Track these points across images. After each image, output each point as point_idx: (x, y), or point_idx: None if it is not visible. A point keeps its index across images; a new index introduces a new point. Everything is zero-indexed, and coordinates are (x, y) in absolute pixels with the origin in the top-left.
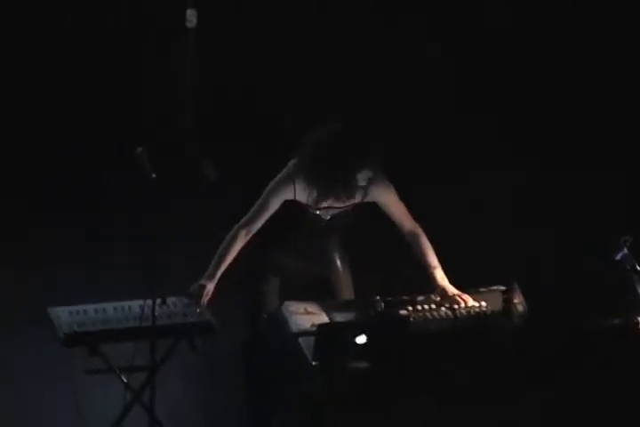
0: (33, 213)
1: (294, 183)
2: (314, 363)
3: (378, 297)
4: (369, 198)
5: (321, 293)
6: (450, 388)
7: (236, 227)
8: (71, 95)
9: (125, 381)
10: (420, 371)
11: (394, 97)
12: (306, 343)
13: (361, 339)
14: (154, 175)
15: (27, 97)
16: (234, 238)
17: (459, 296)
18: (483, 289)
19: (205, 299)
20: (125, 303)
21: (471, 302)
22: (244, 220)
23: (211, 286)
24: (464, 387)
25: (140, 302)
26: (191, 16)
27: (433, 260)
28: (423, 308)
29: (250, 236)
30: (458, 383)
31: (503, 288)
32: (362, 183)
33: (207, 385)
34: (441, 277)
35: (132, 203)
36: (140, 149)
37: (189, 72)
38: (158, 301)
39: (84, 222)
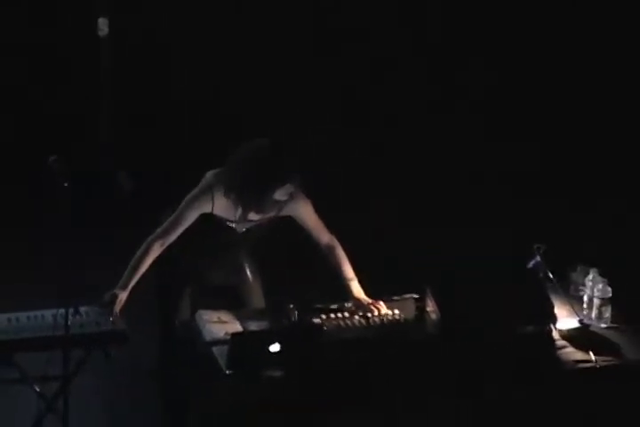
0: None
1: (213, 196)
2: (228, 372)
3: (291, 305)
4: (285, 212)
5: (233, 302)
6: (364, 396)
7: (150, 238)
8: None
9: (38, 390)
10: (334, 379)
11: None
12: (219, 352)
13: (274, 347)
14: (66, 184)
15: None
16: (147, 250)
17: (372, 304)
18: (396, 297)
19: (118, 307)
20: (39, 313)
21: (384, 310)
22: (158, 231)
23: (123, 296)
24: (378, 395)
25: (54, 311)
26: (103, 25)
27: (349, 271)
28: (337, 316)
29: (164, 247)
30: (372, 392)
31: (416, 296)
32: (282, 198)
33: (121, 394)
34: (357, 289)
35: (45, 210)
36: (52, 158)
37: (106, 81)
38: (71, 310)
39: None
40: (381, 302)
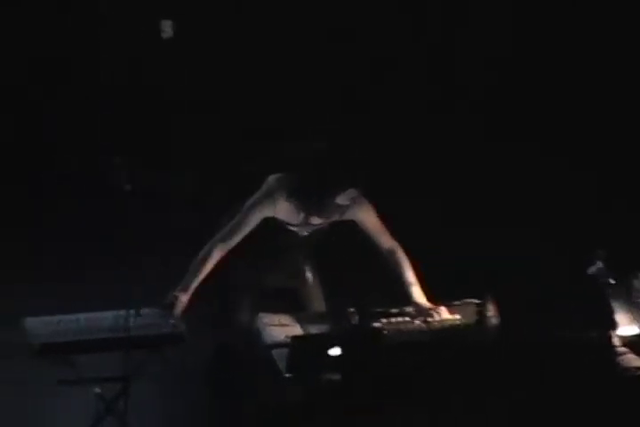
0: (8, 227)
1: (275, 200)
2: (287, 375)
3: (352, 309)
4: (348, 216)
5: (293, 304)
6: (423, 400)
7: (212, 242)
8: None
9: (98, 392)
10: (393, 383)
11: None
12: (279, 355)
13: (334, 351)
14: (128, 187)
15: None
16: (209, 253)
17: (433, 309)
18: (456, 302)
19: (179, 310)
20: (100, 314)
21: (445, 315)
22: (220, 235)
23: (184, 298)
24: (436, 399)
25: (115, 313)
26: (166, 26)
27: (410, 277)
28: (397, 320)
29: (226, 251)
30: (431, 396)
31: (477, 301)
32: (345, 202)
33: (180, 396)
34: (418, 294)
35: (106, 214)
36: (117, 159)
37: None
38: (132, 312)
39: (58, 236)
40: (442, 307)
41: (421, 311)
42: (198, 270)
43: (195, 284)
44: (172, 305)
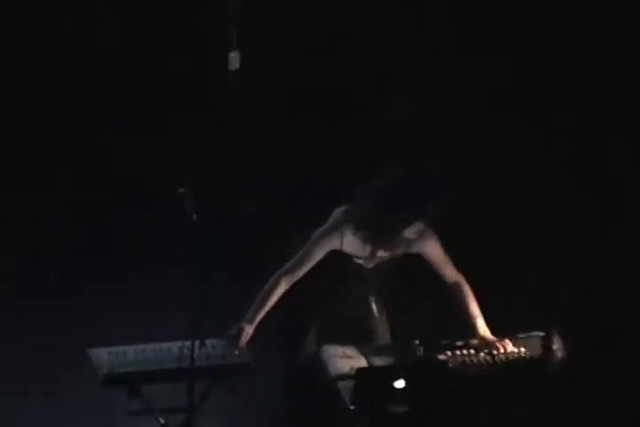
0: (72, 255)
1: (343, 233)
2: (352, 407)
3: (417, 341)
4: (414, 250)
5: (358, 336)
6: None
7: (278, 273)
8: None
9: (163, 422)
10: (458, 415)
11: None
12: (344, 387)
13: (399, 383)
14: (195, 216)
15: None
16: (275, 285)
17: (498, 342)
18: (522, 335)
19: (244, 341)
20: (165, 345)
21: (510, 348)
22: (287, 267)
23: (249, 329)
24: None
25: (179, 343)
26: (234, 59)
27: (475, 309)
28: (462, 353)
29: (291, 283)
30: None
31: (542, 334)
32: (412, 236)
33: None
34: (482, 327)
35: (173, 246)
36: (182, 189)
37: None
38: (197, 342)
39: (124, 265)
40: (507, 340)
41: (486, 344)
42: (264, 302)
43: (260, 315)
44: (237, 336)
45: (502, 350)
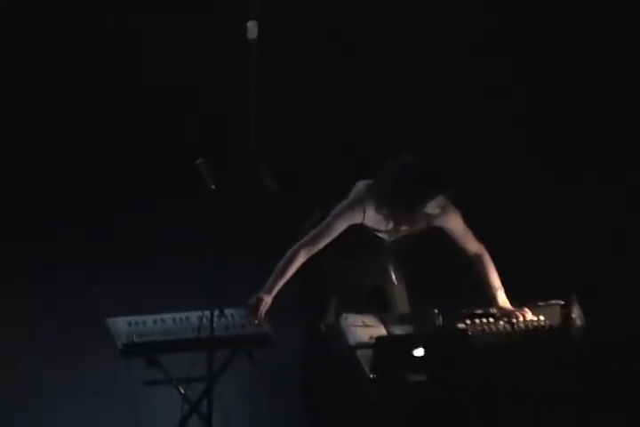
0: (93, 227)
1: (364, 208)
2: (371, 375)
3: (436, 310)
4: (436, 224)
5: (377, 306)
6: (507, 402)
7: (297, 245)
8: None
9: (183, 392)
10: (478, 384)
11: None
12: (364, 356)
13: (419, 352)
14: (213, 187)
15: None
16: (294, 256)
17: (517, 311)
18: (541, 303)
19: (263, 310)
20: (184, 314)
21: (530, 317)
22: (306, 239)
23: (268, 300)
24: (521, 401)
25: (199, 313)
26: (252, 28)
27: (496, 281)
28: (481, 321)
29: (310, 255)
30: (515, 397)
31: (562, 303)
32: (434, 211)
33: (265, 397)
34: (502, 298)
35: (194, 215)
36: (200, 160)
37: (253, 85)
38: (216, 312)
39: (143, 235)
40: (526, 309)
41: (506, 314)
42: (282, 273)
43: (278, 286)
44: (256, 307)
45: (522, 319)
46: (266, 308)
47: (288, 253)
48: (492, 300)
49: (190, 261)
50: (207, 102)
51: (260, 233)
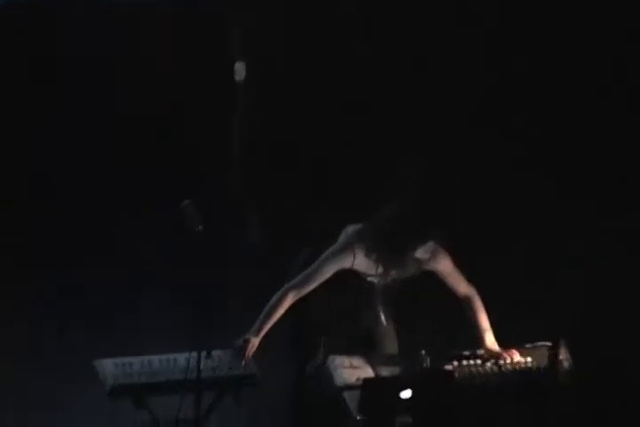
0: (76, 269)
1: (355, 252)
2: (358, 417)
3: (423, 351)
4: (426, 268)
5: (366, 348)
6: None
7: (286, 287)
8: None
9: None
10: (465, 425)
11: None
12: (351, 397)
13: (406, 394)
14: (200, 228)
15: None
16: (282, 298)
17: (505, 352)
18: (529, 345)
19: (250, 352)
20: (171, 356)
21: (517, 358)
22: (295, 281)
23: (255, 341)
24: None
25: (186, 354)
26: (240, 69)
27: (485, 323)
28: (469, 363)
29: (299, 297)
30: None
31: (549, 344)
32: (425, 256)
33: None
34: (490, 340)
35: (177, 256)
36: (186, 202)
37: (238, 128)
38: (204, 354)
39: (128, 276)
40: (514, 350)
41: (494, 355)
42: (270, 315)
43: (266, 328)
44: (243, 348)
45: (509, 360)
46: (253, 350)
47: (276, 295)
48: (480, 341)
49: (176, 303)
50: (195, 138)
51: (246, 274)
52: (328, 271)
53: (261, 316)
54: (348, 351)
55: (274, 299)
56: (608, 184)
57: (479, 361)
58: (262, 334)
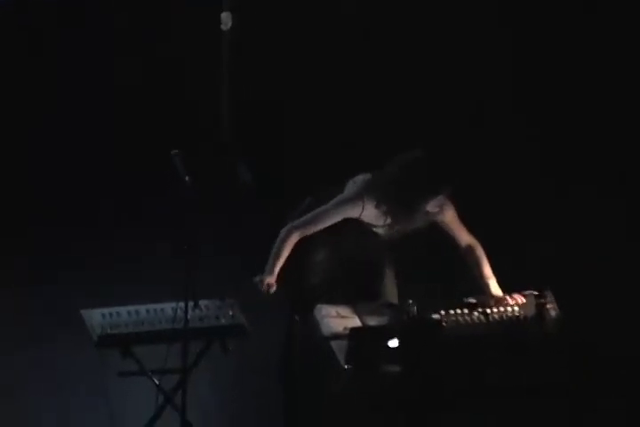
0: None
1: (364, 204)
2: (346, 366)
3: (411, 301)
4: (432, 219)
5: (363, 298)
6: (481, 392)
7: (290, 225)
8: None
9: (157, 383)
10: (451, 375)
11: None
12: (338, 347)
13: (393, 343)
14: (187, 178)
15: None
16: (287, 238)
17: (510, 298)
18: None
19: (271, 290)
20: (158, 306)
21: (521, 300)
22: (300, 221)
23: (271, 280)
24: (495, 391)
25: (173, 304)
26: (226, 19)
27: (488, 270)
28: (455, 312)
29: (302, 236)
30: (489, 387)
31: (536, 293)
32: (434, 210)
33: (239, 388)
34: (495, 287)
35: (169, 205)
36: (174, 151)
37: (226, 80)
38: (191, 303)
39: (119, 224)
40: (516, 295)
41: (499, 301)
42: (278, 254)
43: (278, 267)
44: (261, 287)
45: (514, 302)
46: (273, 288)
47: (281, 234)
48: (484, 289)
49: (162, 254)
50: (181, 90)
51: (233, 223)
52: (335, 218)
53: (270, 257)
54: (334, 301)
55: (279, 238)
56: None
57: (466, 310)
58: (275, 272)
